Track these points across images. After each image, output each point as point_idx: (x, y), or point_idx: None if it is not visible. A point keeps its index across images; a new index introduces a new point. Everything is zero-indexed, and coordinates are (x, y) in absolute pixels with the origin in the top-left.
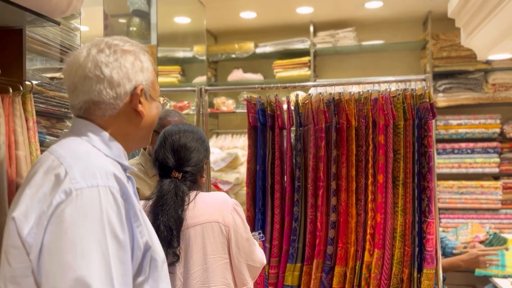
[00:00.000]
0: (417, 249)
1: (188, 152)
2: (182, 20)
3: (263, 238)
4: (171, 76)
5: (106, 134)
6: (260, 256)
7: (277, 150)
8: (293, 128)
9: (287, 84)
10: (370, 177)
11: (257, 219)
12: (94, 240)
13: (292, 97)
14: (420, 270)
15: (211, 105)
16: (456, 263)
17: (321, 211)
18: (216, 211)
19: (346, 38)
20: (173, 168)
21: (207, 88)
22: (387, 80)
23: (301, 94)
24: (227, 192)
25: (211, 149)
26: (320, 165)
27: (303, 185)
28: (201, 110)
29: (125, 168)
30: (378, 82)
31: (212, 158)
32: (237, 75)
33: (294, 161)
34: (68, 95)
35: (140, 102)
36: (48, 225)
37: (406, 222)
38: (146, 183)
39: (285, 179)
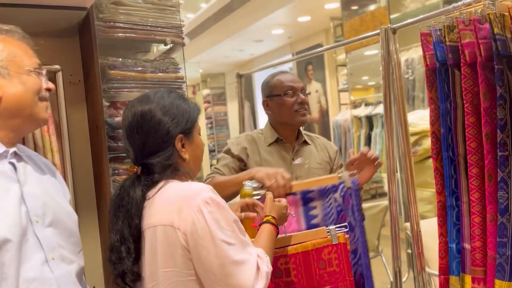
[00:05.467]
0: None
1: (143, 135)
2: None
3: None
4: None
5: None
6: (245, 282)
7: (467, 101)
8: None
9: None
10: None
11: (449, 207)
12: None
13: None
14: None
15: None
16: None
17: None
18: (174, 210)
19: None
20: (133, 159)
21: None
22: None
23: None
24: None
25: None
26: None
27: None
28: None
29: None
30: None
31: None
32: None
33: (494, 116)
34: None
35: None
36: None
37: None
38: (257, 150)
39: (484, 146)
